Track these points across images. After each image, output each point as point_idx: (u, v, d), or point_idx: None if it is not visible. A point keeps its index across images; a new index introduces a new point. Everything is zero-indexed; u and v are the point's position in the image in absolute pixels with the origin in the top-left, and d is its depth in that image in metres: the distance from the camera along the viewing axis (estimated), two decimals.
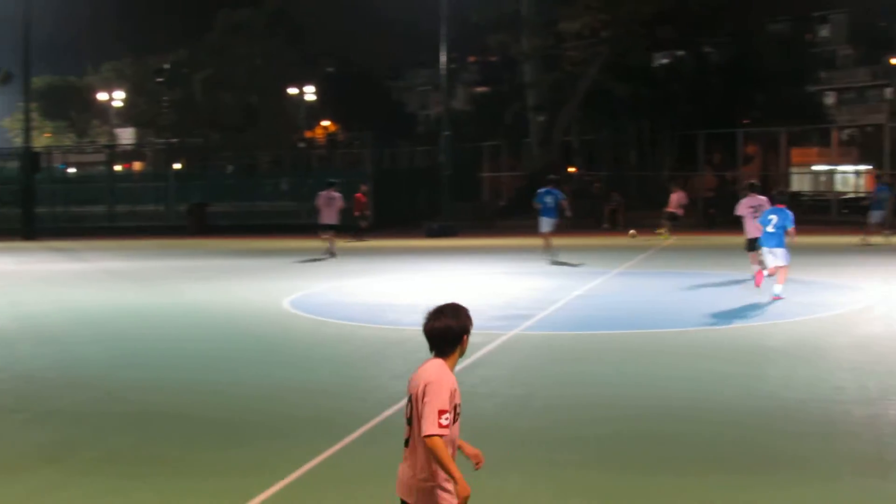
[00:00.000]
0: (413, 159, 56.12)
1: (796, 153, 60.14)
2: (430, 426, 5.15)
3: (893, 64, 77.22)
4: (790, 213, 17.77)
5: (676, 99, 54.11)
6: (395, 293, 20.87)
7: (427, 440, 5.16)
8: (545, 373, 12.53)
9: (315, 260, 28.63)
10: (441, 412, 5.17)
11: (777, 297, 17.62)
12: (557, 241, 27.25)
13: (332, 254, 29.25)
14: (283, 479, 8.16)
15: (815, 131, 60.45)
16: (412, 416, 5.33)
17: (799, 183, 57.93)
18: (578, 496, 7.92)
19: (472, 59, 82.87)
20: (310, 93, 74.17)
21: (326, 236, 29.70)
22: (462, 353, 5.46)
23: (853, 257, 26.79)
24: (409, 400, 5.36)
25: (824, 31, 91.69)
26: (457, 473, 5.16)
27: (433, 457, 5.18)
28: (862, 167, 64.04)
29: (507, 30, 50.81)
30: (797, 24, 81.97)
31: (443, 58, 42.72)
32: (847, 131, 78.50)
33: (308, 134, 78.29)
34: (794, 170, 57.45)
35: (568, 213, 28.19)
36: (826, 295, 19.18)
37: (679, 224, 36.01)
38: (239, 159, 59.59)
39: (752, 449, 9.09)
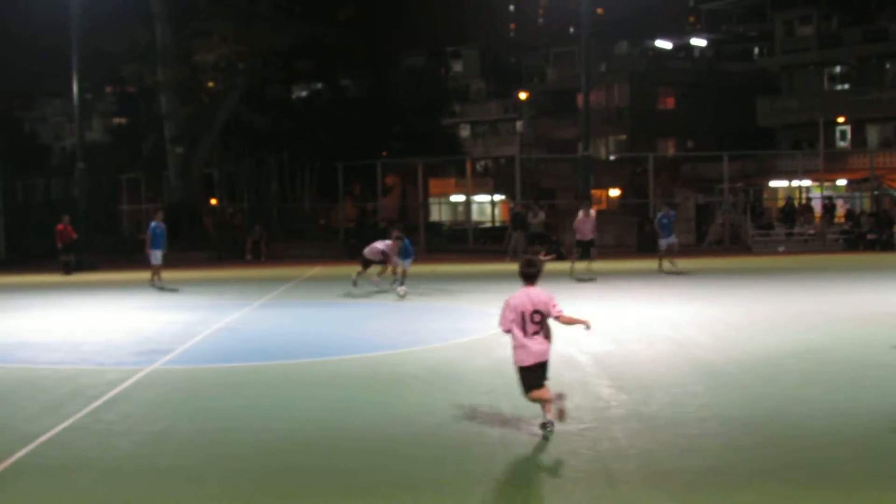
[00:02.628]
0: (49, 192, 53.52)
1: (434, 184, 62.01)
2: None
3: (522, 98, 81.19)
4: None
5: (316, 130, 54.47)
6: (29, 331, 19.57)
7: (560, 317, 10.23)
8: (184, 407, 11.97)
9: None
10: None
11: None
12: (202, 274, 26.61)
13: None
14: None
15: (452, 162, 62.54)
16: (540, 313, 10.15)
17: (438, 213, 59.63)
18: None
19: (109, 88, 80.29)
20: None
21: None
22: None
23: (491, 284, 27.61)
24: (533, 310, 10.09)
25: (458, 66, 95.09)
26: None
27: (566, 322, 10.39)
28: (497, 197, 66.76)
29: (142, 60, 49.39)
30: (432, 59, 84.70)
31: (75, 88, 40.95)
32: (481, 162, 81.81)
33: None
34: (432, 200, 59.09)
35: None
36: (465, 321, 19.62)
37: (323, 255, 36.10)
38: None
39: (389, 474, 9.00)
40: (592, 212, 28.41)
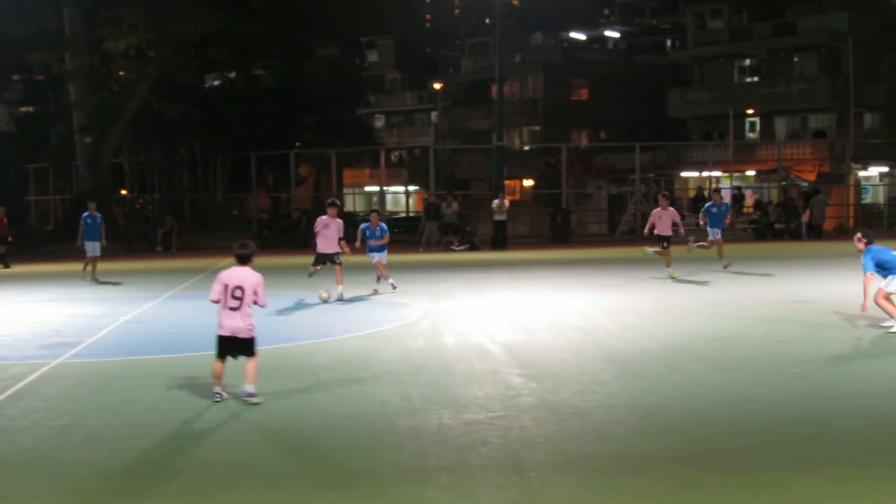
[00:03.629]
0: None
1: (349, 174, 61.81)
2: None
3: (437, 89, 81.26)
4: None
5: (229, 120, 53.96)
6: None
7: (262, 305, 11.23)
8: (90, 401, 11.75)
9: None
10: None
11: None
12: (111, 266, 26.21)
13: None
14: None
15: (366, 153, 62.39)
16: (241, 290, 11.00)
17: (352, 203, 59.45)
18: None
19: (16, 77, 78.74)
20: None
21: None
22: None
23: (404, 275, 27.57)
24: (234, 286, 10.95)
25: (373, 56, 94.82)
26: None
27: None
28: (411, 187, 66.77)
29: (49, 47, 48.41)
30: (346, 49, 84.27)
31: None
32: (396, 153, 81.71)
33: None
34: (346, 190, 58.89)
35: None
36: (377, 311, 19.58)
37: None
38: None
39: (298, 465, 8.99)
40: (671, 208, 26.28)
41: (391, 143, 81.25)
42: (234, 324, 11.12)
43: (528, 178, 63.64)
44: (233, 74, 60.55)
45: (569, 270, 29.04)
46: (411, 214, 60.41)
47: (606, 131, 72.41)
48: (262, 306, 11.35)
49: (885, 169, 57.56)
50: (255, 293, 11.19)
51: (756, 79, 67.16)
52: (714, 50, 68.35)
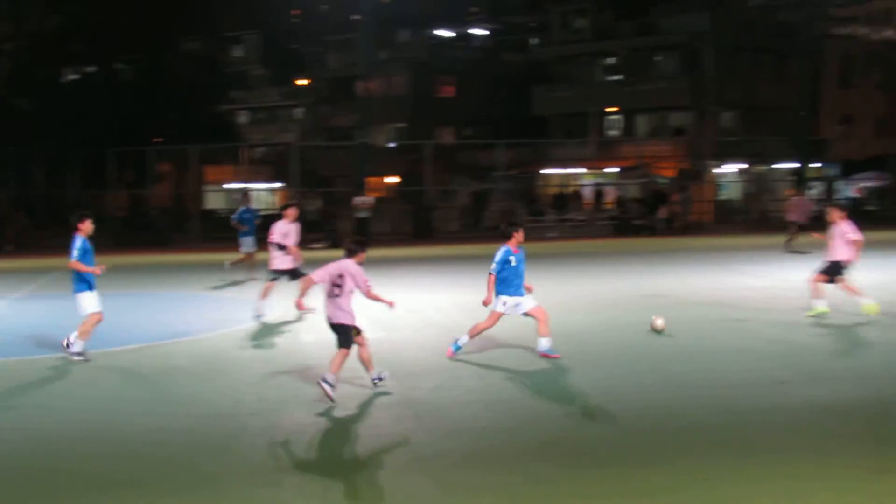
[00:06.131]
0: None
1: (211, 171, 60.72)
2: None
3: (301, 85, 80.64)
4: None
5: (86, 116, 52.64)
6: None
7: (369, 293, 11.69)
8: None
9: None
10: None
11: None
12: None
13: None
14: None
15: (229, 149, 61.59)
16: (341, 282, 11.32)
17: (214, 201, 58.58)
18: None
19: None
20: None
21: None
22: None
23: (262, 274, 27.15)
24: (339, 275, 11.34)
25: (238, 51, 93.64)
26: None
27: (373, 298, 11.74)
28: (275, 185, 66.12)
29: None
30: (211, 44, 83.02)
31: None
32: (260, 150, 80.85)
33: None
34: (208, 188, 58.00)
35: None
36: (230, 311, 19.21)
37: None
38: None
39: (152, 469, 8.84)
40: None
41: (255, 140, 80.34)
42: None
43: (392, 175, 63.57)
44: (92, 68, 59.08)
45: (429, 267, 29.10)
46: (274, 212, 59.83)
47: (471, 128, 72.75)
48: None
49: (743, 166, 58.99)
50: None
51: (619, 77, 68.19)
52: (578, 48, 69.20)
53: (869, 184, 53.45)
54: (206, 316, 18.58)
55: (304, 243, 19.64)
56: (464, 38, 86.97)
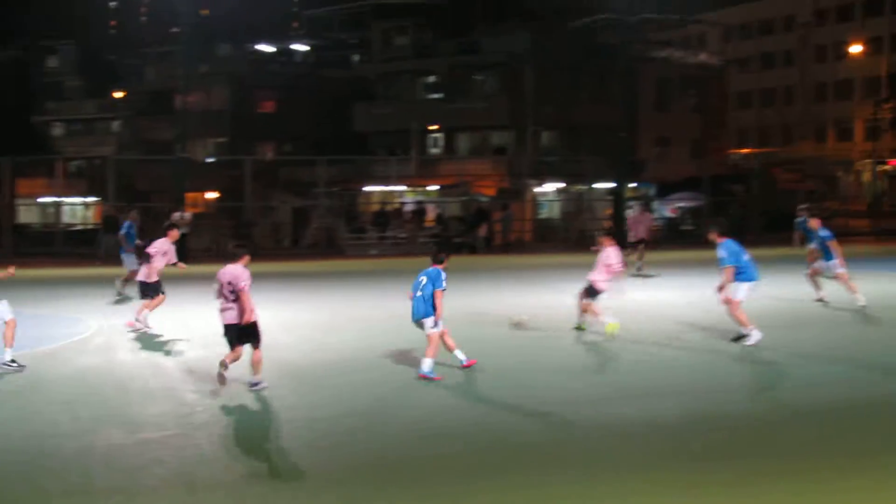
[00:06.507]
0: None
1: (23, 184, 58.81)
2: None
3: (119, 97, 78.98)
4: None
5: None
6: None
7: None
8: None
9: None
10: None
11: None
12: None
13: None
14: None
15: (43, 162, 59.86)
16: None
17: (26, 215, 56.84)
18: None
19: None
20: None
21: None
22: None
23: (80, 289, 26.52)
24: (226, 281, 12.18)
25: (53, 62, 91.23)
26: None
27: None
28: (90, 199, 64.52)
29: None
30: (25, 53, 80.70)
31: None
32: (75, 163, 78.84)
33: None
34: (20, 201, 56.16)
35: None
36: (45, 328, 18.65)
37: None
38: None
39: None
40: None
41: (70, 153, 78.32)
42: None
43: (212, 190, 62.73)
44: None
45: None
46: (89, 227, 58.34)
47: (292, 144, 72.42)
48: None
49: (562, 185, 60.18)
50: None
51: (440, 95, 68.86)
52: (399, 66, 69.69)
53: (683, 204, 55.19)
54: (18, 334, 17.97)
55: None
56: (285, 53, 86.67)
